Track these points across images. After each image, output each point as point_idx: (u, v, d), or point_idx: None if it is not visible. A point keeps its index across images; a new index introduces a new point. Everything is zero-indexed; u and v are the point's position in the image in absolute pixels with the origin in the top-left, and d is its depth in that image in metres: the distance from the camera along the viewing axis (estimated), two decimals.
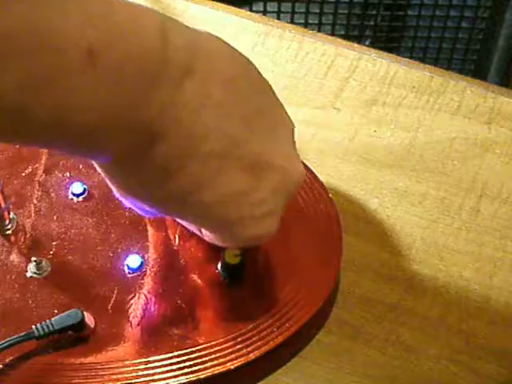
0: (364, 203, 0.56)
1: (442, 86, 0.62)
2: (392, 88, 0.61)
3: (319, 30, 1.06)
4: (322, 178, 0.55)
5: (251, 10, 1.06)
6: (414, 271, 0.53)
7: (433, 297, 0.52)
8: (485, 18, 1.07)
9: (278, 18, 1.07)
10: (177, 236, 0.51)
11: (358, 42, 1.04)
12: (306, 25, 1.07)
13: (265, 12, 1.07)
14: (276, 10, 1.08)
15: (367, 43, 1.09)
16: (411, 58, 1.09)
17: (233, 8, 0.67)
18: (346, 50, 0.63)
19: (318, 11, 1.08)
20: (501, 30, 1.07)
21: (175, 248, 0.50)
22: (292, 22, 1.08)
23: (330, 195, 0.53)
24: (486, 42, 1.09)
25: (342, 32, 1.09)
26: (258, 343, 0.47)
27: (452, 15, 1.07)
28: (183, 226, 0.51)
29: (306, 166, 0.52)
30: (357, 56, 0.63)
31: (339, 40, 0.65)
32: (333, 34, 1.08)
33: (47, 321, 0.46)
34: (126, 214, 0.51)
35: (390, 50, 1.08)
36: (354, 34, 1.09)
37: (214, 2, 0.67)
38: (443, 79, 0.62)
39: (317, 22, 1.08)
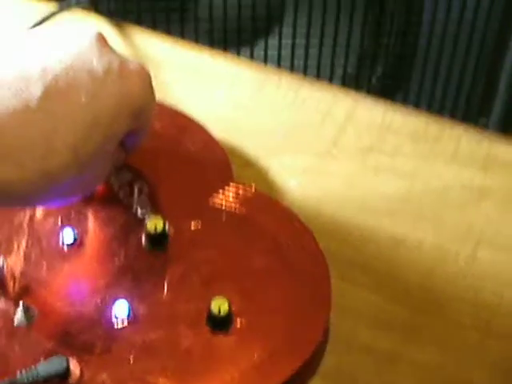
0: (361, 250, 0.56)
1: (438, 133, 0.62)
2: (389, 135, 0.62)
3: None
4: (318, 224, 0.55)
5: (251, 55, 1.07)
6: (411, 318, 0.53)
7: (431, 344, 0.51)
8: (487, 61, 1.08)
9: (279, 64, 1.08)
10: (165, 284, 0.50)
11: (356, 90, 1.05)
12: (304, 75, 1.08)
13: (265, 57, 1.08)
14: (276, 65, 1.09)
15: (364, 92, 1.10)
16: (416, 103, 1.11)
17: (230, 56, 0.67)
18: (343, 98, 0.64)
19: (316, 63, 1.09)
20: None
21: (164, 297, 0.50)
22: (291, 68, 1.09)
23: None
24: (488, 87, 1.10)
25: (339, 82, 1.10)
26: None
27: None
28: (172, 275, 0.51)
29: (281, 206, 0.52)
30: (353, 104, 0.63)
31: (336, 88, 0.65)
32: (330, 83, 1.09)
33: (32, 367, 0.45)
34: (116, 261, 0.51)
35: (386, 97, 1.09)
36: (350, 85, 1.10)
37: (213, 50, 0.68)
38: (439, 126, 0.63)
39: (315, 74, 1.09)
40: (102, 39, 0.48)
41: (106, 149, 0.46)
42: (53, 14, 0.65)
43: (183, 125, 0.59)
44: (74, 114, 0.44)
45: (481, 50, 1.07)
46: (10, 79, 0.44)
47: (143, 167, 0.55)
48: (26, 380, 0.45)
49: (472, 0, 1.03)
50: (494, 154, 0.61)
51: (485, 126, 1.13)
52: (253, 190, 0.55)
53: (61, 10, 0.66)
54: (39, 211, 0.53)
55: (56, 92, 0.44)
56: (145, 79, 0.48)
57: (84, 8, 0.69)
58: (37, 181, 0.44)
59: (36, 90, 0.43)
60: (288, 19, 1.05)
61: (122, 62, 0.47)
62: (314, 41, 1.06)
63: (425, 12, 1.04)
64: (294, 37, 1.06)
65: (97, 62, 0.46)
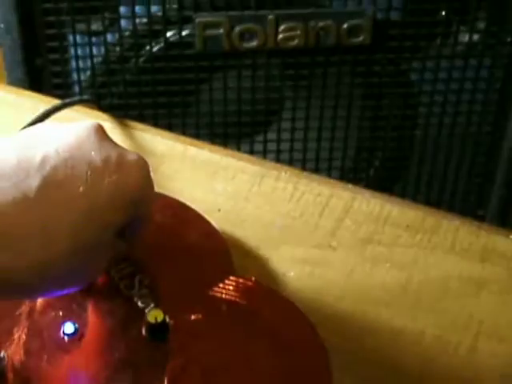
0: (361, 343, 0.56)
1: (435, 224, 0.63)
2: (386, 227, 0.63)
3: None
4: (319, 316, 0.55)
5: (251, 149, 1.09)
6: None
7: None
8: (484, 153, 1.10)
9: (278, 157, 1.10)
10: (166, 376, 0.50)
11: (354, 184, 1.06)
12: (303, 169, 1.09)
13: (265, 151, 1.10)
14: (275, 159, 1.10)
15: (362, 185, 1.11)
16: (414, 195, 1.12)
17: (230, 151, 0.69)
18: (341, 191, 0.65)
19: (314, 157, 1.10)
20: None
21: None
22: (290, 161, 1.11)
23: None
24: (486, 179, 1.11)
25: (337, 175, 1.12)
26: None
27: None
28: (172, 366, 0.50)
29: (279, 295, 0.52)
30: (351, 196, 0.64)
31: (333, 181, 0.67)
32: (329, 178, 1.10)
33: None
34: (117, 353, 0.51)
35: (384, 189, 1.11)
36: (349, 177, 1.12)
37: (213, 144, 0.70)
38: (436, 218, 0.63)
39: (314, 167, 1.11)
40: (100, 130, 0.49)
41: (104, 238, 0.47)
42: (55, 110, 0.66)
43: (184, 216, 0.60)
44: (71, 204, 0.45)
45: (477, 142, 1.09)
46: (10, 170, 0.45)
47: (144, 259, 0.56)
48: None
49: (467, 93, 1.05)
50: (491, 246, 0.62)
51: (483, 218, 1.13)
52: (253, 282, 0.56)
53: (63, 105, 0.67)
54: (40, 303, 0.53)
55: (54, 182, 0.45)
56: (143, 170, 0.49)
57: (87, 104, 0.71)
58: (36, 269, 0.44)
59: (35, 181, 0.44)
60: (286, 114, 1.07)
61: (120, 153, 0.48)
62: (312, 134, 1.08)
63: (421, 106, 1.06)
64: (292, 131, 1.07)
65: (95, 153, 0.47)
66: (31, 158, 0.46)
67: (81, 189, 0.45)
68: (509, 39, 1.01)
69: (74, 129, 0.49)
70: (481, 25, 1.00)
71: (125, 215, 0.48)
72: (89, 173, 0.46)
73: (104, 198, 0.46)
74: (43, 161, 0.45)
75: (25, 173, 0.45)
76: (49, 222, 0.44)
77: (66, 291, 0.50)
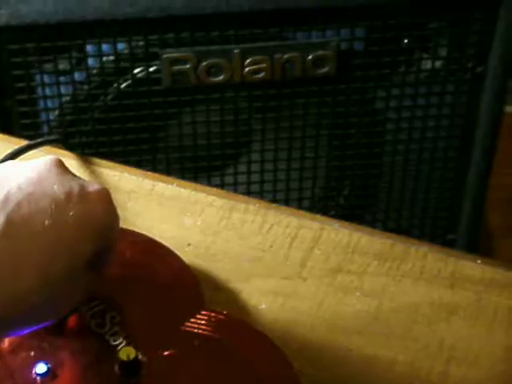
0: (334, 372, 0.56)
1: (403, 252, 0.63)
2: (355, 256, 0.63)
3: (287, 206, 1.09)
4: (291, 347, 0.55)
5: (222, 182, 1.09)
6: None
7: None
8: (451, 178, 1.11)
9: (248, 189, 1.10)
10: None
11: (324, 213, 1.07)
12: (273, 202, 1.10)
13: (235, 183, 1.10)
14: (245, 191, 1.11)
15: (332, 213, 1.12)
16: (384, 222, 1.13)
17: (199, 185, 0.69)
18: (309, 222, 0.65)
19: (284, 188, 1.11)
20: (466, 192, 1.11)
21: None
22: (261, 193, 1.11)
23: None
24: (454, 203, 1.13)
25: (307, 205, 1.12)
26: None
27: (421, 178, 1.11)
28: None
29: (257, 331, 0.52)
30: (319, 226, 0.65)
31: (302, 212, 0.67)
32: (299, 208, 1.11)
33: None
34: None
35: (355, 217, 1.11)
36: (319, 206, 1.13)
37: (181, 181, 0.70)
38: (404, 246, 0.64)
39: (284, 198, 1.12)
40: (59, 164, 0.50)
41: (75, 269, 0.47)
42: (20, 152, 0.65)
43: (154, 252, 0.60)
44: (38, 238, 0.45)
45: (444, 167, 1.10)
46: None
47: (115, 296, 0.56)
48: None
49: (432, 120, 1.07)
50: (460, 272, 0.62)
51: (454, 242, 1.14)
52: (225, 315, 0.56)
53: (28, 148, 0.66)
54: (10, 344, 0.53)
55: (19, 218, 0.45)
56: (106, 198, 0.50)
57: (54, 144, 0.71)
58: (8, 305, 0.44)
59: None
60: (256, 146, 1.08)
61: (82, 184, 0.49)
62: (282, 165, 1.09)
63: (387, 133, 1.08)
64: (262, 162, 1.08)
65: (57, 187, 0.48)
66: None
67: (46, 222, 0.46)
68: (470, 65, 1.03)
69: (34, 165, 0.49)
70: (442, 52, 1.02)
71: (93, 245, 0.48)
72: (53, 206, 0.46)
73: (70, 229, 0.47)
74: (6, 198, 0.46)
75: None
76: (18, 257, 0.45)
77: (39, 326, 0.50)
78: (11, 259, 0.44)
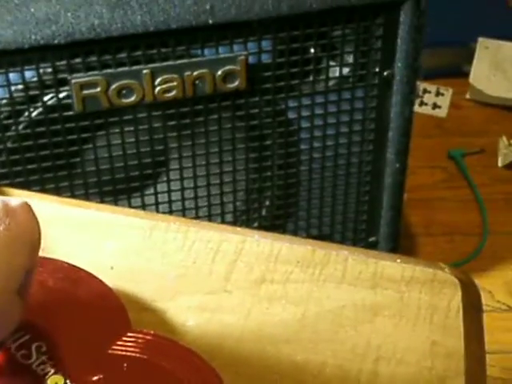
0: (265, 381, 0.57)
1: (324, 257, 0.64)
2: (278, 265, 0.64)
3: (210, 221, 1.09)
4: (221, 360, 0.56)
5: (143, 202, 1.09)
6: None
7: None
8: (368, 181, 1.13)
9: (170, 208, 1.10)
10: None
11: (248, 225, 1.08)
12: (196, 218, 1.10)
13: (156, 203, 1.10)
14: (167, 209, 1.11)
15: (256, 225, 1.12)
16: (307, 229, 1.14)
17: (117, 208, 0.69)
18: (231, 235, 0.66)
19: (206, 203, 1.11)
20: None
21: None
22: (183, 211, 1.11)
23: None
24: (373, 206, 1.14)
25: (231, 219, 1.13)
26: None
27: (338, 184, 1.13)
28: None
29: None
30: (241, 239, 0.65)
31: (223, 226, 0.67)
32: (223, 222, 1.11)
33: None
34: None
35: (278, 227, 1.13)
36: (242, 219, 1.13)
37: (99, 204, 0.70)
38: (325, 251, 0.65)
39: (207, 214, 1.12)
40: None
41: (13, 281, 0.47)
42: None
43: (76, 278, 0.60)
44: None
45: (360, 171, 1.12)
46: None
47: (39, 325, 0.55)
48: None
49: (344, 126, 1.08)
50: (380, 272, 0.64)
51: (376, 244, 1.16)
52: (152, 335, 0.56)
53: None
54: None
55: None
56: (29, 212, 0.50)
57: None
58: None
59: None
60: (174, 164, 1.08)
61: (3, 200, 0.49)
62: (202, 182, 1.09)
63: (302, 142, 1.09)
64: (181, 180, 1.08)
65: None
66: None
67: None
68: (377, 69, 1.05)
69: None
70: (349, 58, 1.04)
71: (28, 257, 0.48)
72: None
73: (2, 243, 0.46)
74: None
75: None
76: None
77: None
78: None
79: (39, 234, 0.51)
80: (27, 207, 0.50)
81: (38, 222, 0.51)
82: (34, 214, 0.50)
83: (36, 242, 0.50)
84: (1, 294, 0.46)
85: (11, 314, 0.49)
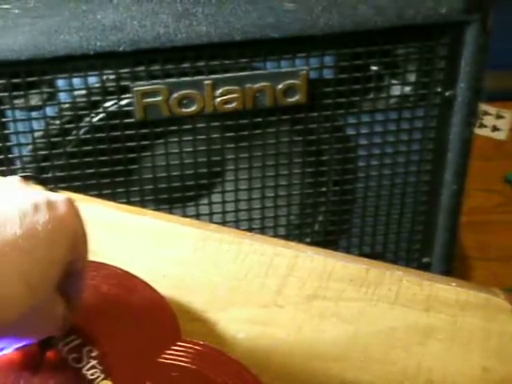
0: None
1: (378, 277, 0.64)
2: (331, 282, 0.64)
3: (263, 234, 1.09)
4: (269, 375, 0.55)
5: (197, 212, 1.10)
6: None
7: None
8: (424, 201, 1.12)
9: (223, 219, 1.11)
10: None
11: (300, 240, 1.07)
12: (249, 230, 1.10)
13: (210, 213, 1.10)
14: (221, 220, 1.11)
15: (308, 239, 1.12)
16: (359, 246, 1.14)
17: (173, 216, 0.69)
18: (284, 249, 0.66)
19: (260, 216, 1.11)
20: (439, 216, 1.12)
21: None
22: (236, 222, 1.12)
23: None
24: (428, 226, 1.13)
25: (283, 232, 1.13)
26: None
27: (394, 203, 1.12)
28: None
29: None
30: (294, 254, 0.65)
31: (276, 240, 0.67)
32: (275, 235, 1.11)
33: None
34: None
35: (330, 243, 1.12)
36: (294, 233, 1.13)
37: (155, 212, 0.70)
38: (379, 270, 0.64)
39: (260, 226, 1.12)
40: (21, 181, 0.51)
41: (53, 276, 0.48)
42: None
43: (130, 285, 0.60)
44: (11, 246, 0.46)
45: (417, 191, 1.11)
46: None
47: (91, 330, 0.56)
48: None
49: (403, 144, 1.08)
50: (434, 295, 0.63)
51: (429, 265, 1.15)
52: (202, 345, 0.56)
53: None
54: None
55: None
56: (71, 206, 0.50)
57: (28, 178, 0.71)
58: None
59: None
60: (229, 175, 1.08)
61: (47, 195, 0.50)
62: (256, 194, 1.09)
63: (359, 159, 1.08)
64: (236, 192, 1.09)
65: (23, 199, 0.48)
66: None
67: (18, 232, 0.46)
68: (439, 89, 1.04)
69: None
70: (411, 77, 1.03)
71: (67, 251, 0.49)
72: (22, 216, 0.47)
73: (43, 236, 0.47)
74: None
75: None
76: None
77: (22, 340, 0.50)
78: None
79: (82, 229, 0.51)
80: (69, 202, 0.50)
81: (80, 218, 0.51)
82: (76, 209, 0.51)
83: (77, 237, 0.50)
84: (39, 286, 0.47)
85: (50, 310, 0.50)
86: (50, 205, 0.49)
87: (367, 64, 1.01)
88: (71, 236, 0.49)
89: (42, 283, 0.47)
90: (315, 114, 1.03)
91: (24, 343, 0.50)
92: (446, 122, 1.06)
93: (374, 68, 1.02)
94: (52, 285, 0.48)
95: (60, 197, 0.50)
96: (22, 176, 0.51)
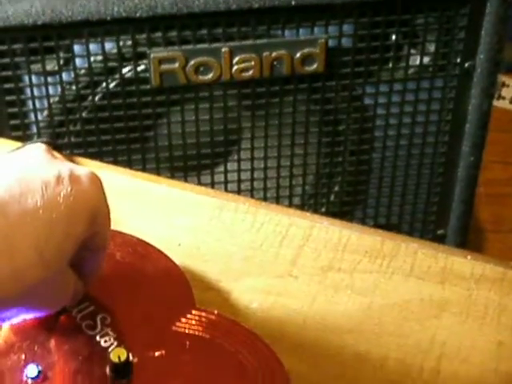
0: (326, 370, 0.56)
1: (393, 249, 0.64)
2: (346, 253, 0.63)
3: (278, 203, 1.09)
4: (283, 345, 0.55)
5: (212, 180, 1.09)
6: None
7: None
8: (441, 173, 1.11)
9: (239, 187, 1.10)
10: None
11: (315, 210, 1.07)
12: (264, 199, 1.10)
13: (226, 181, 1.10)
14: (236, 189, 1.11)
15: (323, 210, 1.12)
16: (374, 217, 1.13)
17: (188, 185, 0.69)
18: (299, 219, 0.65)
19: (275, 185, 1.11)
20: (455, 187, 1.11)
21: None
22: (251, 191, 1.11)
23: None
24: (443, 198, 1.13)
25: (298, 202, 1.12)
26: None
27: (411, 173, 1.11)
28: None
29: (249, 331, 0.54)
30: (310, 224, 0.65)
31: (291, 210, 0.67)
32: (290, 205, 1.11)
33: None
34: None
35: (345, 214, 1.12)
36: (309, 203, 1.13)
37: (170, 180, 0.70)
38: (394, 243, 0.64)
39: (275, 195, 1.12)
40: (46, 150, 0.51)
41: (68, 250, 0.48)
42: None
43: (143, 253, 0.60)
44: (32, 216, 0.46)
45: (433, 163, 1.10)
46: None
47: (105, 297, 0.56)
48: None
49: (421, 115, 1.07)
50: (450, 268, 0.63)
51: (443, 237, 1.15)
52: (216, 315, 0.56)
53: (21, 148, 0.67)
54: (2, 345, 0.53)
55: (11, 198, 0.45)
56: (95, 182, 0.50)
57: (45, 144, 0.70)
58: (5, 282, 0.45)
59: None
60: (245, 144, 1.08)
61: (71, 167, 0.49)
62: (272, 163, 1.09)
63: (376, 129, 1.08)
64: (251, 160, 1.08)
65: (46, 170, 0.48)
66: None
67: (38, 203, 0.46)
68: (458, 60, 1.03)
69: (21, 153, 0.50)
70: (431, 47, 1.02)
71: (84, 226, 0.48)
72: (44, 187, 0.47)
73: (63, 209, 0.47)
74: None
75: None
76: (13, 235, 0.45)
77: (33, 313, 0.50)
78: (7, 237, 0.45)
79: (103, 205, 0.51)
80: (93, 177, 0.50)
81: (103, 194, 0.51)
82: (99, 185, 0.50)
83: (98, 213, 0.50)
84: (52, 259, 0.47)
85: (62, 283, 0.50)
86: (74, 178, 0.48)
87: (386, 33, 1.00)
88: (91, 211, 0.49)
89: (55, 256, 0.47)
90: (333, 83, 1.03)
91: (33, 315, 0.50)
92: (464, 93, 1.05)
93: (393, 37, 1.01)
94: (66, 259, 0.48)
95: (84, 171, 0.50)
96: (42, 142, 0.51)
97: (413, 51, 1.03)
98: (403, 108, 1.06)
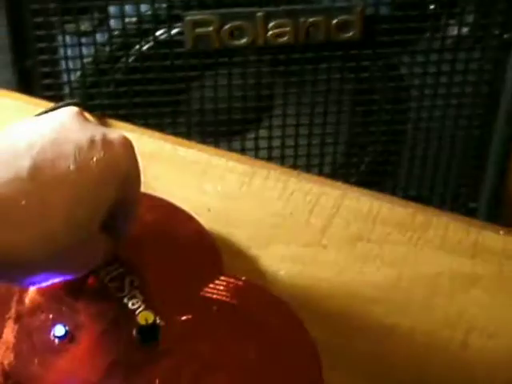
0: (351, 339, 0.56)
1: (425, 222, 0.63)
2: (376, 225, 0.63)
3: (308, 171, 1.08)
4: (309, 313, 0.55)
5: (242, 146, 1.09)
6: None
7: None
8: (474, 146, 1.10)
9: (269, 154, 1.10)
10: (157, 378, 0.50)
11: (345, 179, 1.06)
12: (294, 167, 1.09)
13: (256, 148, 1.10)
14: (266, 155, 1.10)
15: (354, 179, 1.11)
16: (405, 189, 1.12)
17: (219, 150, 0.69)
18: (330, 189, 0.65)
19: (305, 153, 1.10)
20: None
21: None
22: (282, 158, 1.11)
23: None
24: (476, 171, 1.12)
25: (329, 171, 1.12)
26: None
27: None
28: (163, 368, 0.50)
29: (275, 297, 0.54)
30: (340, 194, 0.64)
31: (323, 179, 0.67)
32: (320, 173, 1.10)
33: None
34: (108, 356, 0.51)
35: (376, 184, 1.11)
36: (340, 172, 1.12)
37: (201, 145, 0.70)
38: (426, 215, 0.63)
39: (305, 163, 1.11)
40: (80, 114, 0.51)
41: (99, 213, 0.48)
42: (44, 113, 0.66)
43: (173, 216, 0.60)
44: (63, 180, 0.46)
45: (468, 135, 1.09)
46: None
47: (133, 260, 0.56)
48: None
49: (457, 87, 1.05)
50: (481, 242, 0.62)
51: (475, 211, 1.14)
52: (243, 281, 0.56)
53: (47, 112, 0.67)
54: (29, 306, 0.53)
55: (44, 161, 0.46)
56: (127, 147, 0.50)
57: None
58: (36, 243, 0.45)
59: (24, 162, 0.45)
60: (277, 110, 1.07)
61: (104, 132, 0.49)
62: (304, 131, 1.08)
63: (411, 100, 1.06)
64: (283, 127, 1.07)
65: (80, 134, 0.48)
66: (16, 144, 0.46)
67: (70, 167, 0.46)
68: (497, 32, 1.01)
69: (54, 115, 0.50)
70: (469, 18, 1.01)
71: (115, 191, 0.48)
72: (76, 151, 0.47)
73: (94, 173, 0.47)
74: (29, 144, 0.46)
75: (12, 157, 0.46)
76: (45, 195, 0.45)
77: (62, 276, 0.50)
78: (39, 200, 0.45)
79: (135, 171, 0.51)
80: (126, 142, 0.50)
81: (135, 160, 0.51)
82: (132, 150, 0.50)
83: (129, 179, 0.50)
84: (81, 224, 0.47)
85: (91, 247, 0.50)
86: (107, 143, 0.48)
87: (424, 2, 0.99)
88: (123, 176, 0.49)
89: (87, 220, 0.47)
90: (369, 52, 1.01)
91: (63, 279, 0.51)
92: (502, 65, 1.04)
93: (432, 6, 0.99)
94: (97, 222, 0.48)
95: (117, 135, 0.50)
96: (69, 103, 0.51)
97: (451, 21, 1.01)
98: (439, 79, 1.04)
